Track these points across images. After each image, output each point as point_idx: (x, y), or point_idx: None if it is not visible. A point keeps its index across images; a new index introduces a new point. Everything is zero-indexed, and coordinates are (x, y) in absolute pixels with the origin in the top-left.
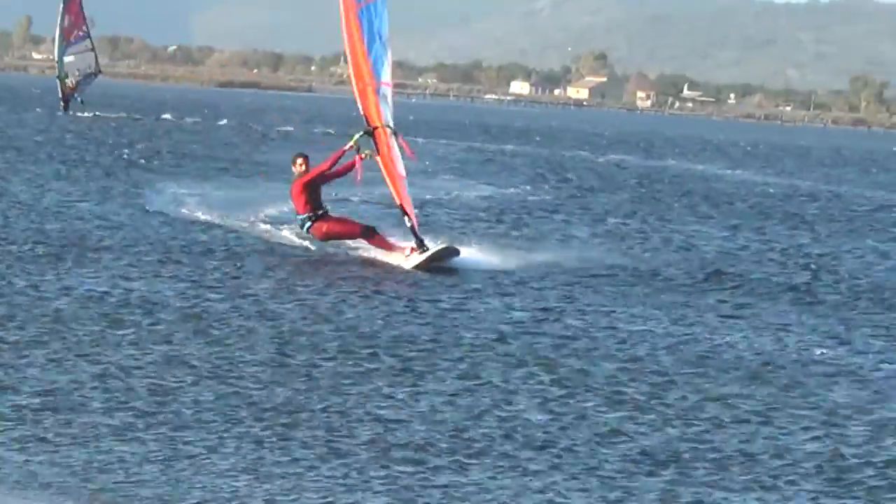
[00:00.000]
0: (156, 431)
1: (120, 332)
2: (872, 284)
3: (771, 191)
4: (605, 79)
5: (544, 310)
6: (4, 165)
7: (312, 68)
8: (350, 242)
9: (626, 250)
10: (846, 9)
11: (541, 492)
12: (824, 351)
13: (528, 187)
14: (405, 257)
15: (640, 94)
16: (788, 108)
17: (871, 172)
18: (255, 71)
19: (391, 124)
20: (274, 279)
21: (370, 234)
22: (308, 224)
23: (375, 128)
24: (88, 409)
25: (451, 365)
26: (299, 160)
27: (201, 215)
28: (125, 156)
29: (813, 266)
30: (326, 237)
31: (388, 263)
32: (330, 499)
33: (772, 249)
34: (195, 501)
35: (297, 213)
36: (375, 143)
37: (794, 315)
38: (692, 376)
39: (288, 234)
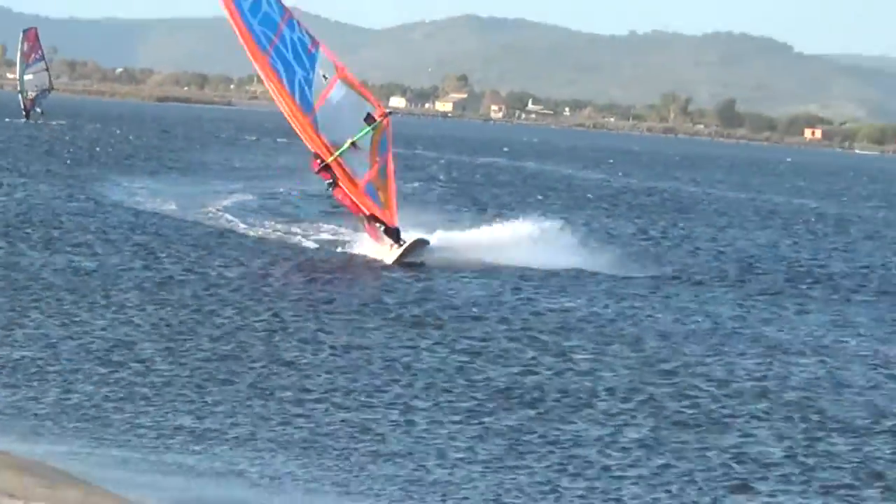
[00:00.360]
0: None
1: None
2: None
3: (613, 184)
4: (465, 95)
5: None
6: None
7: (232, 86)
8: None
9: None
10: (658, 40)
11: None
12: None
13: (420, 184)
14: (389, 249)
15: (494, 107)
16: (612, 119)
17: (688, 170)
18: (186, 88)
19: (342, 141)
20: (219, 254)
21: (371, 220)
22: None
23: (326, 165)
24: (60, 359)
25: None
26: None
27: (150, 205)
28: (75, 156)
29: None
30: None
31: (370, 257)
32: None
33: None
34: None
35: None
36: (334, 177)
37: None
38: None
39: (234, 220)
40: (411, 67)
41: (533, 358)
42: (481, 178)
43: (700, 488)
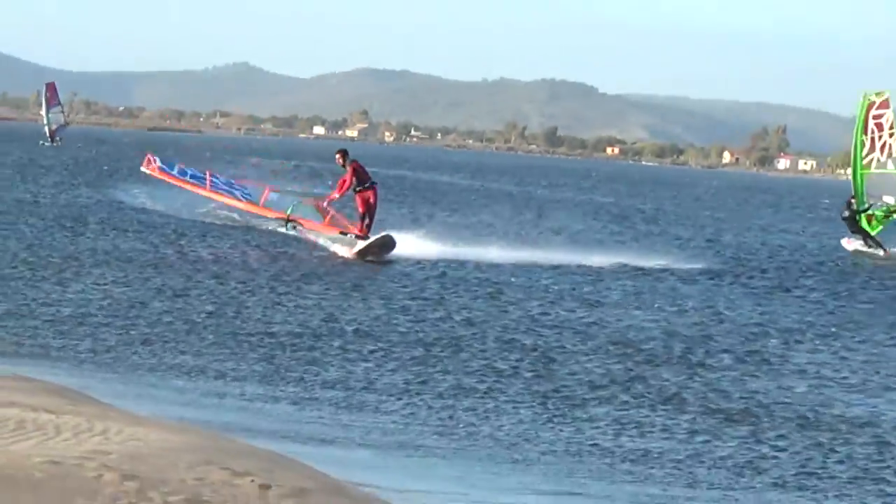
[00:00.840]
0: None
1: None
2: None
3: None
4: (366, 125)
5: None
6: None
7: (201, 119)
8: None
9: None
10: (502, 84)
11: None
12: None
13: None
14: (353, 239)
15: (387, 133)
16: (471, 141)
17: (525, 176)
18: (168, 122)
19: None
20: (208, 240)
21: (360, 219)
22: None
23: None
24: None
25: None
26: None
27: (152, 206)
28: (104, 168)
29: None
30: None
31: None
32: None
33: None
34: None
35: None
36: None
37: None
38: None
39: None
40: (328, 105)
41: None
42: (394, 183)
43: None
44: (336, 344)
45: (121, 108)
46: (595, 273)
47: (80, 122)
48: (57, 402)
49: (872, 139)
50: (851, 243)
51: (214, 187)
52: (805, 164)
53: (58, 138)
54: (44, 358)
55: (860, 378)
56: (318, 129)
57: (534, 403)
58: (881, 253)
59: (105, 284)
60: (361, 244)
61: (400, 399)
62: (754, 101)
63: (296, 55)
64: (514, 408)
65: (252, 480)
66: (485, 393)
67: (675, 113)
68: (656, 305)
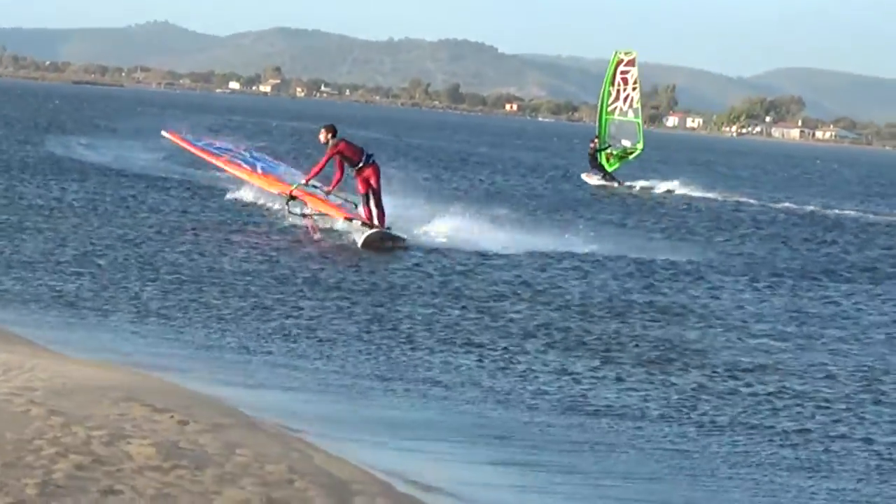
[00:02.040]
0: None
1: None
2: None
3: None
4: (279, 81)
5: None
6: None
7: (123, 74)
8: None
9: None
10: (408, 43)
11: None
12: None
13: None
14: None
15: (298, 89)
16: (378, 98)
17: (429, 132)
18: (92, 76)
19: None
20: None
21: (364, 203)
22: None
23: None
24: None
25: None
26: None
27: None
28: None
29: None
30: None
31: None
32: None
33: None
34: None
35: None
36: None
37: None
38: None
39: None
40: (243, 62)
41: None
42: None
43: None
44: (278, 294)
45: (47, 63)
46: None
47: (9, 75)
48: None
49: (618, 91)
50: (591, 178)
51: (235, 158)
52: (693, 121)
53: None
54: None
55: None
56: (234, 85)
57: (466, 349)
58: (615, 185)
59: (53, 231)
60: (369, 233)
61: (335, 346)
62: (646, 61)
63: (213, 14)
64: (433, 353)
65: (172, 416)
66: (414, 340)
67: (571, 72)
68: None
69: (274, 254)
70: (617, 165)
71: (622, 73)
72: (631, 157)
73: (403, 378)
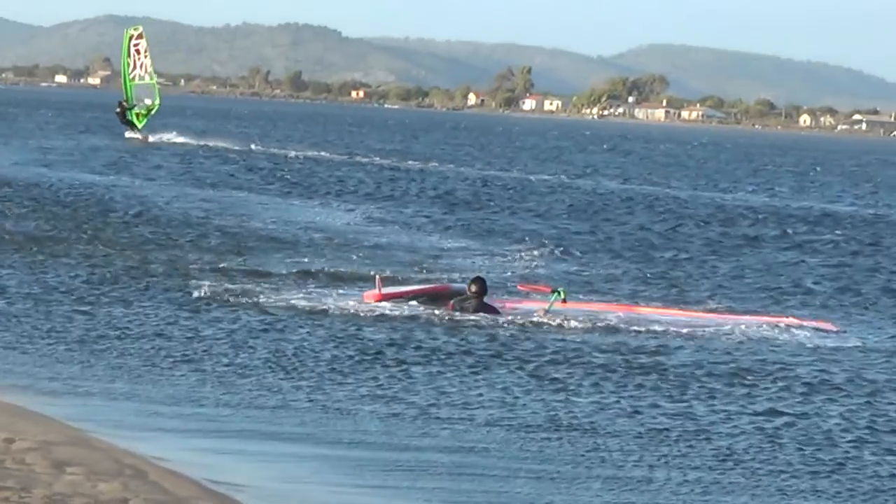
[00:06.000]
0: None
1: None
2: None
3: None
4: (109, 72)
5: None
6: None
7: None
8: None
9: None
10: (246, 29)
11: None
12: None
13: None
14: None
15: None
16: (215, 87)
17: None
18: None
19: None
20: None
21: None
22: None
23: None
24: None
25: None
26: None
27: None
28: None
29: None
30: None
31: None
32: None
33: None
34: None
35: None
36: None
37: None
38: None
39: None
40: (71, 53)
41: None
42: None
43: None
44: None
45: None
46: None
47: None
48: None
49: (135, 61)
50: (129, 133)
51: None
52: (551, 104)
53: None
54: None
55: None
56: (61, 78)
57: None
58: (140, 137)
59: None
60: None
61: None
62: (501, 42)
63: (36, 2)
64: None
65: None
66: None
67: (421, 56)
68: None
69: (93, 268)
70: (144, 122)
71: (135, 45)
72: (153, 112)
73: (231, 391)
